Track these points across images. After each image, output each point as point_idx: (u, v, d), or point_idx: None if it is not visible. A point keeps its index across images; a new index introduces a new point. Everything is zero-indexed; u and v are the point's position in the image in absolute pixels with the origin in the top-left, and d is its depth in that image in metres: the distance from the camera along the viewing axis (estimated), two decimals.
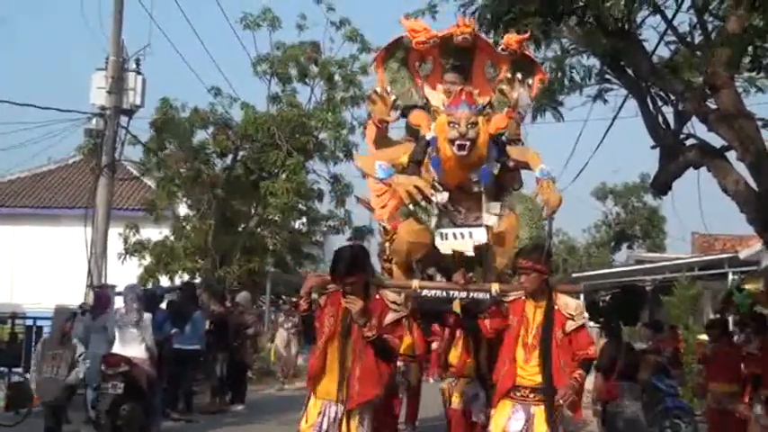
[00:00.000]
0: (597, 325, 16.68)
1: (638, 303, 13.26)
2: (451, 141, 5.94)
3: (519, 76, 6.53)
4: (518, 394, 5.68)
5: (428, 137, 6.30)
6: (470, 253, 6.18)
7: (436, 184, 6.20)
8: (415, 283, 6.21)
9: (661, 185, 10.34)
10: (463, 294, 6.17)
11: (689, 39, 9.81)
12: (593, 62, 10.34)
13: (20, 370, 12.94)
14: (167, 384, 11.73)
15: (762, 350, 8.95)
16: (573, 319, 5.71)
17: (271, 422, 12.55)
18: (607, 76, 10.45)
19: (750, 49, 8.64)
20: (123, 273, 16.38)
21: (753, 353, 9.10)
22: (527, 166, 6.52)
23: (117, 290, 13.88)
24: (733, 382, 9.43)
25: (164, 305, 12.71)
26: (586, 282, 27.59)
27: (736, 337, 10.43)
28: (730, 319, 11.71)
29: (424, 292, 6.17)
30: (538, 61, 7.31)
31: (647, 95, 9.92)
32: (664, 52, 10.24)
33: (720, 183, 8.93)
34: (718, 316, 14.96)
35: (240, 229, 19.79)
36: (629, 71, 9.82)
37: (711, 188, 9.29)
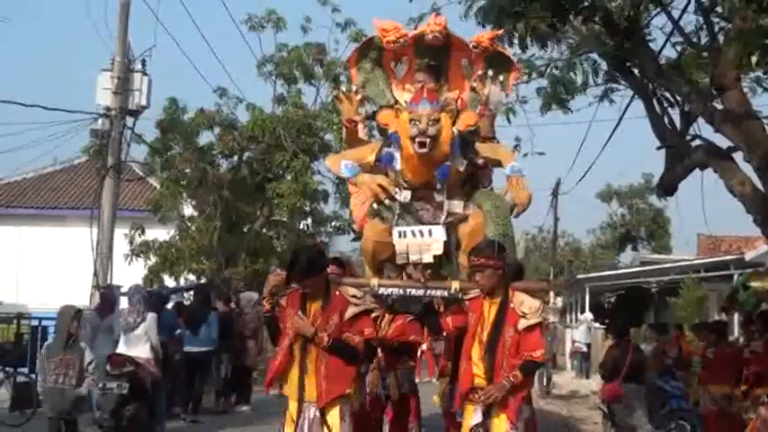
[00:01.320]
0: (603, 326, 16.69)
1: (643, 305, 13.24)
2: (412, 138, 5.86)
3: (491, 72, 6.48)
4: (476, 396, 5.58)
5: (390, 134, 6.21)
6: (429, 259, 6.10)
7: (401, 181, 6.13)
8: (374, 281, 6.15)
9: (667, 187, 10.31)
10: (421, 292, 6.10)
11: (695, 39, 9.79)
12: (600, 62, 10.31)
13: (25, 370, 12.95)
14: (173, 386, 11.73)
15: (765, 349, 8.90)
16: (525, 317, 5.57)
17: (275, 423, 12.42)
18: (613, 77, 10.42)
19: (758, 47, 8.62)
20: (129, 273, 16.39)
21: (756, 351, 9.05)
22: (498, 164, 6.45)
23: (122, 290, 13.90)
24: (732, 384, 9.38)
25: (170, 305, 12.73)
26: (592, 283, 27.62)
27: (740, 338, 10.35)
28: (735, 318, 11.61)
29: (382, 290, 6.11)
30: (512, 58, 7.21)
31: (654, 96, 9.90)
32: (670, 53, 10.22)
33: (727, 184, 8.90)
34: (723, 315, 14.94)
35: (246, 230, 19.80)
36: (636, 72, 9.80)
37: (718, 189, 9.27)
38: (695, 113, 9.52)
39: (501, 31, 7.13)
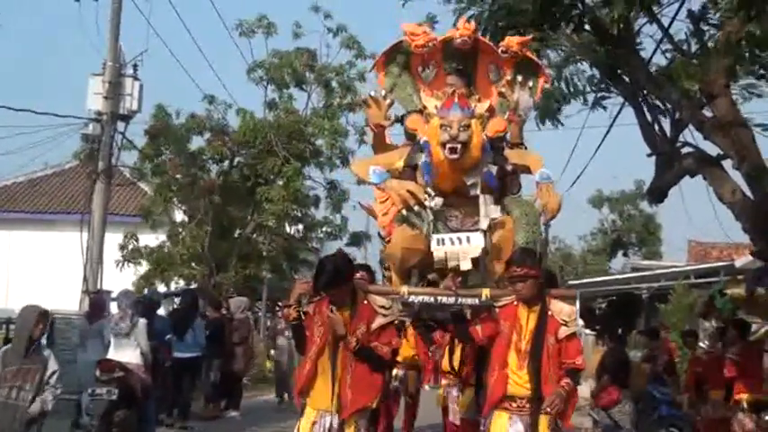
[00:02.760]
0: (593, 332, 16.73)
1: (634, 311, 13.29)
2: (443, 145, 5.83)
3: (519, 78, 6.44)
4: (514, 405, 5.55)
5: (422, 141, 6.19)
6: (468, 266, 6.06)
7: (429, 189, 6.09)
8: (404, 288, 6.08)
9: (657, 193, 10.34)
10: (452, 300, 6.02)
11: (685, 47, 9.82)
12: (592, 70, 10.34)
13: None
14: (167, 392, 11.70)
15: (741, 356, 8.95)
16: (566, 325, 5.59)
17: (266, 429, 12.53)
18: (604, 85, 10.45)
19: (747, 56, 8.66)
20: (119, 278, 16.35)
21: (732, 358, 9.11)
22: (527, 170, 6.41)
23: (113, 295, 13.85)
24: (722, 389, 9.43)
25: (162, 311, 12.69)
26: (583, 289, 27.66)
27: (718, 344, 10.42)
28: (710, 324, 11.66)
29: (412, 298, 6.04)
30: (541, 63, 7.20)
31: (644, 103, 9.93)
32: (661, 60, 10.26)
33: (716, 191, 8.93)
34: (713, 323, 14.99)
35: (236, 235, 19.78)
36: (626, 79, 9.83)
37: (709, 196, 9.30)
38: (685, 121, 9.55)
39: (530, 37, 7.08)
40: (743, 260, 18.22)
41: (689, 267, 22.92)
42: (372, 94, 6.69)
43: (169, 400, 12.20)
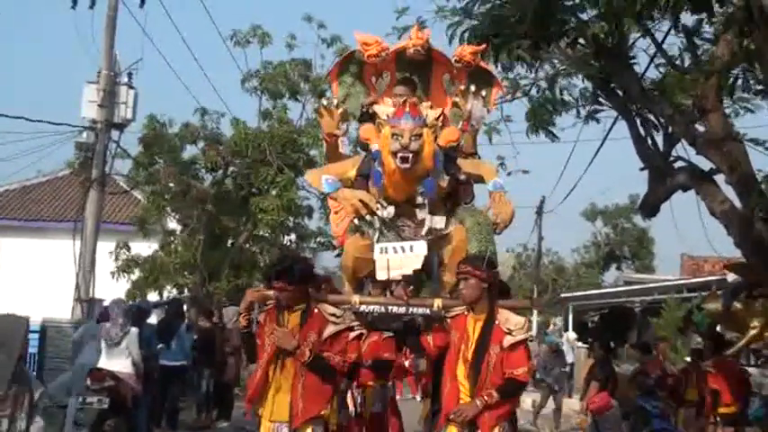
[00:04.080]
0: (586, 345, 16.70)
1: (626, 324, 13.30)
2: (394, 154, 5.79)
3: (473, 87, 6.39)
4: (457, 418, 5.47)
5: (373, 150, 6.14)
6: (408, 272, 5.99)
7: (381, 199, 6.06)
8: (355, 298, 6.04)
9: (649, 208, 10.36)
10: (403, 309, 5.98)
11: (678, 61, 9.86)
12: (586, 84, 10.38)
13: None
14: (153, 400, 11.65)
15: (716, 368, 8.99)
16: (511, 334, 5.51)
17: None
18: (597, 98, 10.48)
19: (740, 72, 8.70)
20: (112, 287, 16.31)
21: (708, 371, 9.14)
22: (481, 180, 6.39)
23: (104, 304, 13.77)
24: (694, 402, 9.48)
25: (153, 320, 12.65)
26: (575, 302, 27.70)
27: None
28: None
29: (363, 308, 5.99)
30: (495, 73, 7.15)
31: (637, 118, 9.96)
32: (654, 74, 10.30)
33: (708, 206, 8.95)
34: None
35: (229, 244, 19.76)
36: (620, 93, 9.86)
37: (700, 211, 9.33)
38: (678, 135, 9.58)
39: (483, 47, 7.07)
40: (735, 274, 18.26)
41: (681, 281, 23.01)
42: (325, 103, 6.67)
43: (155, 408, 12.15)
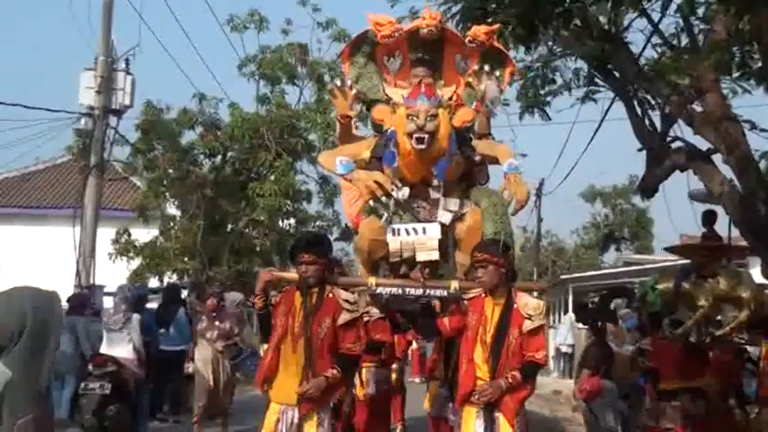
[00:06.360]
0: (586, 326, 16.76)
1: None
2: (410, 135, 5.76)
3: (486, 68, 6.32)
4: (481, 398, 5.48)
5: (388, 131, 6.08)
6: (423, 257, 5.97)
7: (396, 180, 6.01)
8: (372, 279, 5.99)
9: (648, 188, 10.36)
10: (420, 291, 5.95)
11: (675, 42, 9.85)
12: (581, 64, 10.36)
13: None
14: (153, 385, 11.71)
15: (653, 346, 9.04)
16: (530, 319, 5.53)
17: (256, 423, 12.51)
18: (594, 79, 10.47)
19: (737, 53, 8.69)
20: (112, 273, 16.35)
21: (647, 349, 9.19)
22: (495, 161, 6.34)
23: (105, 290, 13.83)
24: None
25: (153, 305, 12.70)
26: (575, 283, 27.73)
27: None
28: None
29: (380, 290, 5.96)
30: (508, 53, 7.03)
31: (634, 98, 9.95)
32: (651, 53, 10.28)
33: (706, 186, 8.96)
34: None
35: (228, 229, 19.79)
36: (616, 74, 9.85)
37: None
38: (675, 116, 9.58)
39: (497, 26, 7.00)
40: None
41: (680, 262, 22.99)
42: (338, 84, 6.62)
43: (156, 393, 12.21)
